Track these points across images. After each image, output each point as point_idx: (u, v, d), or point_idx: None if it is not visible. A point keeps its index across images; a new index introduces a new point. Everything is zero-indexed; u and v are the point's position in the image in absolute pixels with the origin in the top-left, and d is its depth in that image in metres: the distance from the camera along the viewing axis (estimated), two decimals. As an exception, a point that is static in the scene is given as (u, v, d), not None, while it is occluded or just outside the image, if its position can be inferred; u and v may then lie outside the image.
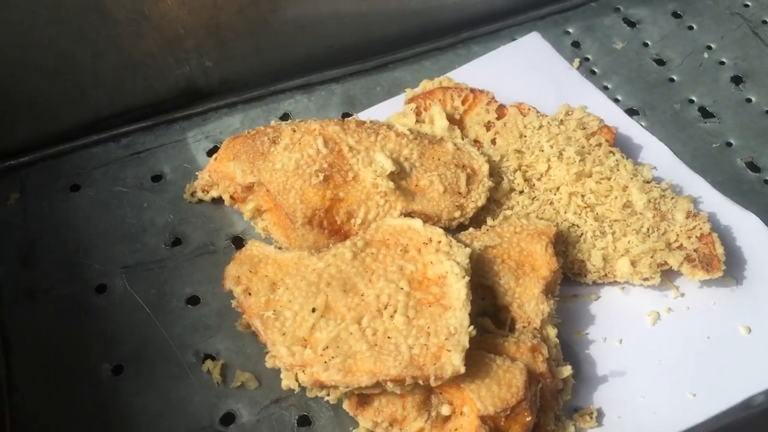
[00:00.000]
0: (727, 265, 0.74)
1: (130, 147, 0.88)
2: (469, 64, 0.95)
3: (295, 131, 0.80)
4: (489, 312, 0.72)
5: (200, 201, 0.83)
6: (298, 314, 0.68)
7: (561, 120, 0.84)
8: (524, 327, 0.70)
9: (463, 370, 0.62)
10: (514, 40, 0.98)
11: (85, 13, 0.80)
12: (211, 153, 0.87)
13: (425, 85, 0.88)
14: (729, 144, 0.90)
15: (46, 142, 0.86)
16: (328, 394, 0.66)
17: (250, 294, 0.71)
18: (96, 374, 0.72)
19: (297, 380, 0.66)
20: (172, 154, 0.87)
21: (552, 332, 0.70)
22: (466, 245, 0.72)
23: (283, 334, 0.67)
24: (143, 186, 0.85)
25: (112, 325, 0.74)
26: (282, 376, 0.67)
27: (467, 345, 0.63)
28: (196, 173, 0.83)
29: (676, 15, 1.04)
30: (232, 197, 0.82)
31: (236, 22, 0.88)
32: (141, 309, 0.76)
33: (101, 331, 0.74)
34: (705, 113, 0.93)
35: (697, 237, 0.75)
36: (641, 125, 0.89)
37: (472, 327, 0.65)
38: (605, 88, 0.95)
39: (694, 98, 0.95)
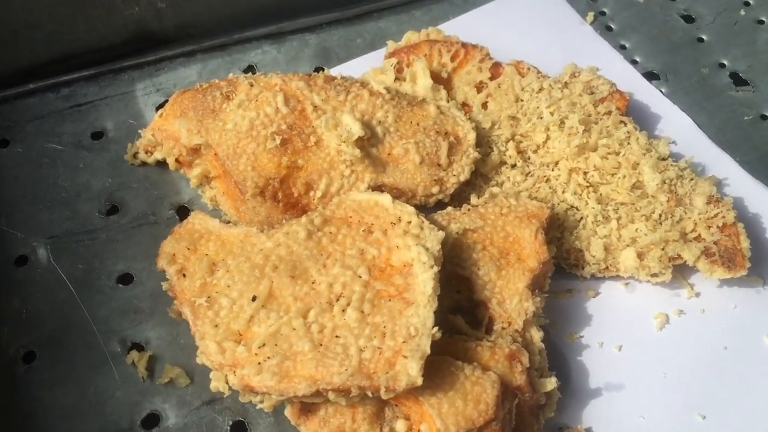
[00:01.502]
0: (753, 261, 0.64)
1: (71, 98, 0.78)
2: (465, 15, 0.85)
3: (252, 86, 0.69)
4: (464, 308, 0.62)
5: (144, 164, 0.73)
6: (235, 302, 0.58)
7: (565, 83, 0.73)
8: (503, 328, 0.60)
9: (420, 381, 0.52)
10: (520, -12, 0.87)
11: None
12: (161, 108, 0.76)
13: (410, 37, 0.77)
14: (764, 117, 0.80)
15: (-27, 90, 0.76)
16: (262, 401, 0.56)
17: (184, 275, 0.61)
18: (3, 360, 0.62)
19: (227, 382, 0.56)
20: (118, 108, 0.77)
21: (536, 335, 0.60)
22: (442, 227, 0.62)
23: (216, 325, 0.57)
24: (81, 144, 0.74)
25: (29, 304, 0.65)
26: (211, 375, 0.58)
27: (428, 351, 0.53)
28: (140, 131, 0.73)
29: (710, -35, 0.91)
30: (177, 161, 0.71)
31: (196, -43, 0.77)
32: (64, 286, 0.66)
33: (16, 310, 0.65)
34: (738, 80, 0.83)
35: (718, 227, 0.65)
36: (661, 91, 0.80)
37: (436, 329, 0.54)
38: (622, 48, 0.85)
39: (725, 62, 0.85)
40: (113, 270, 0.67)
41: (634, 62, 0.82)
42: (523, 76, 0.73)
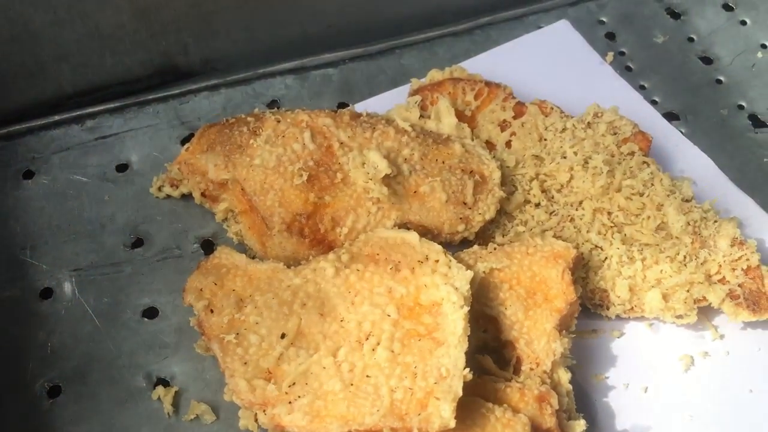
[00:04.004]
0: (777, 304, 0.64)
1: (96, 130, 0.78)
2: (487, 54, 0.84)
3: (279, 122, 0.70)
4: (490, 347, 0.62)
5: (168, 197, 0.73)
6: (264, 339, 0.58)
7: (588, 122, 0.73)
8: (531, 369, 0.59)
9: (452, 424, 0.52)
10: (540, 28, 0.88)
11: (45, -27, 0.70)
12: (185, 141, 0.76)
13: (434, 75, 0.77)
14: (783, 159, 0.80)
15: (-1, 120, 0.76)
16: (292, 441, 0.56)
17: (212, 311, 0.61)
18: (29, 395, 0.62)
19: (256, 420, 0.56)
20: (142, 141, 0.77)
21: (564, 377, 0.60)
22: (469, 266, 0.62)
23: (245, 363, 0.57)
24: (106, 176, 0.74)
25: (54, 337, 0.65)
26: (240, 414, 0.57)
27: (460, 392, 0.53)
28: (166, 164, 0.73)
29: (727, 7, 0.92)
30: (203, 194, 0.71)
31: (223, -7, 0.78)
32: (89, 320, 0.66)
33: (41, 344, 0.64)
34: (757, 122, 0.83)
35: (743, 269, 0.65)
36: (681, 132, 0.79)
37: (467, 369, 0.54)
38: (642, 88, 0.85)
39: (744, 104, 0.84)
40: (138, 304, 0.67)
41: (653, 102, 0.82)
42: (546, 116, 0.74)
